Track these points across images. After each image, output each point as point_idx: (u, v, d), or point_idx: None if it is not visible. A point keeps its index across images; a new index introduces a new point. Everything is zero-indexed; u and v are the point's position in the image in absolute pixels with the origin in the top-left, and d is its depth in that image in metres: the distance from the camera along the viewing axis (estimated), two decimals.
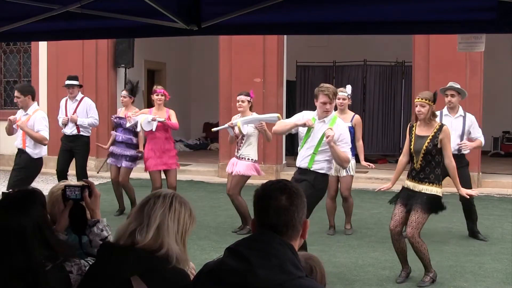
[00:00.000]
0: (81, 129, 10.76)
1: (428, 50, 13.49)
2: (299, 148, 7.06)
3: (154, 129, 9.54)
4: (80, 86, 11.09)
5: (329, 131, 6.62)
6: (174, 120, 9.77)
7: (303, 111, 7.27)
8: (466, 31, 6.65)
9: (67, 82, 10.94)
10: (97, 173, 15.29)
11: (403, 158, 7.26)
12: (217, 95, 15.43)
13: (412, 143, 6.94)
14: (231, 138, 9.38)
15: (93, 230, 3.26)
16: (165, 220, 2.87)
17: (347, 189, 9.12)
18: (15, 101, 9.19)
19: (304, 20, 4.35)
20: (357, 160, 9.29)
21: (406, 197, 6.96)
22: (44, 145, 9.15)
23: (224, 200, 11.86)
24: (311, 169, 6.83)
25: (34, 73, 16.73)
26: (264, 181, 2.67)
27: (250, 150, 9.15)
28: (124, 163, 10.26)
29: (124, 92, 10.54)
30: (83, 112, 10.82)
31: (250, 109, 9.23)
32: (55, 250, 2.98)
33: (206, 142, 21.65)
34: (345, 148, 6.84)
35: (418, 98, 6.93)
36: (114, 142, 10.38)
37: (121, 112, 10.53)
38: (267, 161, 14.34)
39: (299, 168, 6.95)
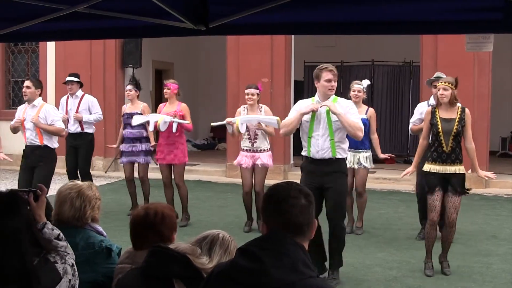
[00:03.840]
0: (84, 126, 10.74)
1: (436, 50, 13.46)
2: (305, 139, 6.90)
3: (175, 131, 9.50)
4: (81, 84, 11.03)
5: (324, 105, 6.63)
6: (189, 118, 9.72)
7: (298, 102, 7.10)
8: (474, 31, 6.64)
9: (67, 78, 10.96)
10: (105, 172, 15.33)
11: (424, 141, 7.35)
12: (224, 95, 15.43)
13: (440, 126, 6.97)
14: (233, 132, 9.39)
15: (45, 232, 3.28)
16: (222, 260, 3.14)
17: (363, 185, 9.11)
18: (23, 91, 9.20)
19: (311, 20, 4.36)
20: (374, 156, 9.25)
21: (442, 183, 7.02)
22: (62, 136, 9.28)
23: (231, 200, 11.88)
24: (336, 157, 6.77)
25: (42, 73, 16.75)
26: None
27: (264, 141, 9.24)
28: (141, 159, 10.29)
29: (130, 86, 10.54)
30: (85, 109, 10.79)
31: (258, 101, 9.31)
32: (42, 245, 3.01)
33: (214, 142, 21.65)
34: (354, 119, 6.76)
35: (442, 82, 7.05)
36: (125, 139, 10.34)
37: (127, 108, 10.49)
38: (274, 161, 14.16)
39: (321, 160, 6.76)
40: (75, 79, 10.88)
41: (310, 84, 16.87)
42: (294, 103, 15.19)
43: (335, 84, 6.78)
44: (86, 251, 3.86)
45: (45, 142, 9.04)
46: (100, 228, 4.13)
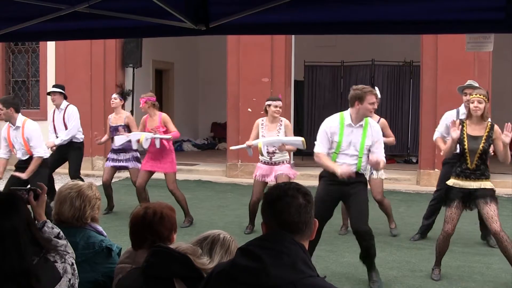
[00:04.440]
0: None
1: (436, 50, 13.46)
2: (329, 152, 6.81)
3: (158, 146, 9.49)
4: (65, 96, 10.99)
5: (378, 165, 6.69)
6: (171, 127, 9.67)
7: (326, 121, 6.96)
8: (475, 31, 6.64)
9: (50, 89, 11.00)
10: None
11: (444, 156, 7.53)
12: (225, 95, 15.45)
13: (466, 143, 6.85)
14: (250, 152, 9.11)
15: (45, 230, 3.30)
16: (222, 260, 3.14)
17: (379, 193, 9.00)
18: None
19: (312, 19, 4.35)
20: None
21: (462, 198, 6.88)
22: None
23: (232, 199, 11.90)
24: (359, 172, 6.76)
25: (42, 73, 16.77)
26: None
27: (284, 154, 8.97)
28: (131, 164, 10.31)
29: (115, 95, 10.61)
30: (67, 121, 10.78)
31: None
32: (41, 244, 3.03)
33: (214, 141, 21.66)
34: (380, 149, 6.81)
35: (476, 94, 6.87)
36: (113, 150, 10.39)
37: (112, 119, 10.51)
38: None
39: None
40: (57, 89, 10.88)
41: (310, 84, 16.91)
42: (294, 103, 15.37)
43: (375, 106, 6.91)
44: (86, 251, 3.86)
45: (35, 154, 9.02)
46: (100, 228, 4.13)
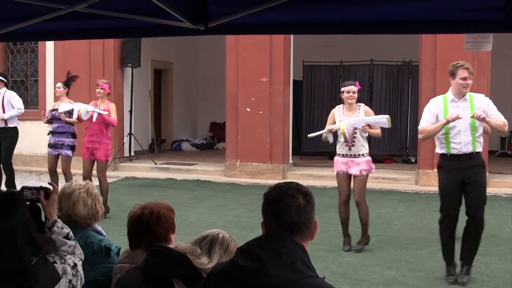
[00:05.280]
0: (8, 122, 11.46)
1: (435, 49, 13.46)
2: (441, 136, 6.79)
3: (94, 120, 9.97)
4: (6, 83, 11.83)
5: (475, 113, 6.56)
6: (113, 115, 10.16)
7: (431, 101, 7.03)
8: (474, 31, 6.65)
9: None
10: None
11: None
12: (224, 95, 15.44)
13: None
14: (344, 139, 8.19)
15: (54, 230, 3.32)
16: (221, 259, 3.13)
17: None
18: None
19: (311, 19, 4.35)
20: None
21: None
22: None
23: (231, 199, 11.89)
24: (476, 151, 6.73)
25: (41, 73, 16.77)
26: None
27: (363, 145, 8.27)
28: (64, 152, 10.65)
29: (59, 84, 10.97)
30: (7, 104, 11.52)
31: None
32: (39, 245, 3.04)
33: (213, 141, 21.66)
34: (495, 114, 6.80)
35: None
36: (54, 134, 10.71)
37: (56, 104, 10.85)
38: (273, 160, 14.31)
39: (462, 155, 6.70)
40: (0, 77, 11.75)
41: (309, 84, 16.91)
42: (293, 103, 15.36)
43: (470, 82, 6.80)
44: (86, 251, 3.86)
45: None
46: (99, 228, 4.15)
